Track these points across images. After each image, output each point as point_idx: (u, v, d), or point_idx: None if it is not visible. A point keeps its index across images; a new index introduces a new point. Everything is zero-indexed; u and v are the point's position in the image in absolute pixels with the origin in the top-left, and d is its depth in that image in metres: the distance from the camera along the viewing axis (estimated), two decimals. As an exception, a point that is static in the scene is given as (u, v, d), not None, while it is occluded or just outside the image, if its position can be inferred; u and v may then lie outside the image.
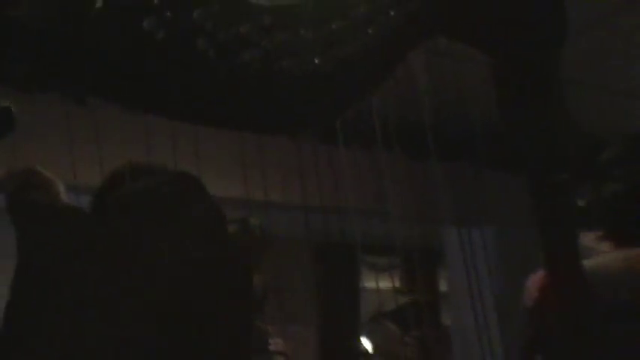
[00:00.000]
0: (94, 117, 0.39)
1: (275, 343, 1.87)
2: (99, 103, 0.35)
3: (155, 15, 0.33)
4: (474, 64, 0.64)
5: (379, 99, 0.50)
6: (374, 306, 2.66)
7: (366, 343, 2.53)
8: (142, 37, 0.33)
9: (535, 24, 0.55)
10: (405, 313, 2.26)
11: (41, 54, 0.33)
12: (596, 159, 1.15)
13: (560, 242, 0.63)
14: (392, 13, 0.43)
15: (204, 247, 0.33)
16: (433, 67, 0.60)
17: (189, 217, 0.32)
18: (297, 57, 0.38)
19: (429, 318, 2.44)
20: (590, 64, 2.97)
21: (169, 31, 0.34)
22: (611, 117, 3.46)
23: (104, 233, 0.32)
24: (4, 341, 0.30)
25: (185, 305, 0.32)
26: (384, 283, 3.27)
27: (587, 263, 1.01)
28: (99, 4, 0.31)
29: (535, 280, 0.97)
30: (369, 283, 3.36)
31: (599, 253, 1.05)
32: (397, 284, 3.30)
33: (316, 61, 0.39)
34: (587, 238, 1.15)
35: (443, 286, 3.61)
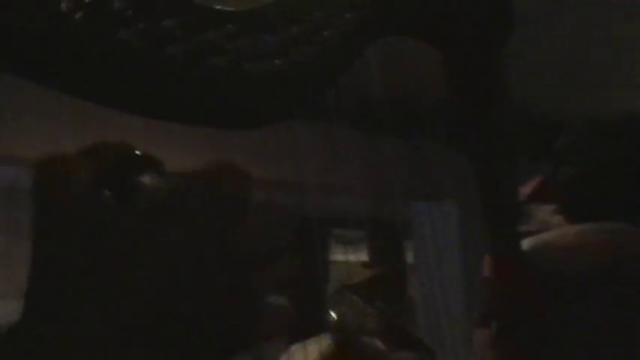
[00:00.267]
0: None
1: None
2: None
3: (129, 25, 0.36)
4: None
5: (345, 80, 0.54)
6: (341, 279, 2.72)
7: (333, 315, 2.58)
8: (117, 45, 0.36)
9: (482, 21, 0.59)
10: (370, 286, 2.30)
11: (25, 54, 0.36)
12: (552, 144, 1.19)
13: (502, 228, 0.67)
14: (347, 16, 0.47)
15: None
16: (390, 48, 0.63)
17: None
18: (260, 60, 0.42)
19: (394, 290, 2.50)
20: (552, 49, 3.04)
21: (142, 40, 0.37)
22: (573, 102, 3.54)
23: (133, 223, 0.33)
24: (25, 329, 0.32)
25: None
26: (351, 256, 3.34)
27: (540, 237, 1.05)
28: (79, 15, 0.35)
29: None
30: (336, 255, 3.42)
31: (553, 227, 1.09)
32: (364, 257, 3.37)
33: (277, 62, 0.43)
34: (543, 212, 1.19)
35: (409, 259, 3.68)
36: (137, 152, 0.36)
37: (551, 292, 0.96)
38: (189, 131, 0.42)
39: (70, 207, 0.33)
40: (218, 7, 0.41)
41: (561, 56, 3.11)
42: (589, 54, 3.10)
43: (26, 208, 0.34)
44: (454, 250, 3.21)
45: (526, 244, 1.02)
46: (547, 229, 1.07)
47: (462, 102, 0.64)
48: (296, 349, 1.94)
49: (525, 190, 1.21)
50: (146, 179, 0.35)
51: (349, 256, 3.40)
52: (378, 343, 1.22)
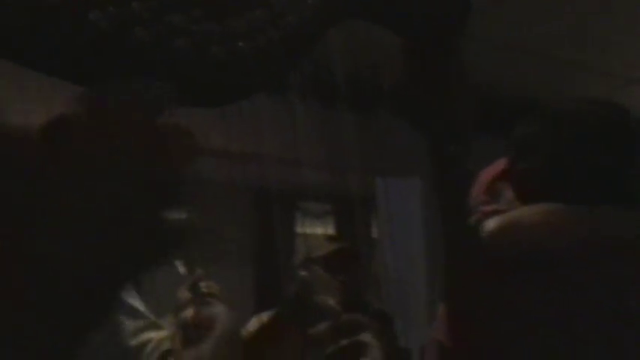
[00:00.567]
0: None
1: (207, 287, 1.91)
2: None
3: (99, 8, 0.38)
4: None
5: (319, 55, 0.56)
6: (306, 251, 2.75)
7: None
8: (88, 26, 0.38)
9: (439, 8, 0.62)
10: (334, 259, 2.34)
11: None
12: (510, 133, 1.20)
13: (454, 209, 0.70)
14: (309, 1, 0.50)
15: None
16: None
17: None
18: (225, 43, 0.44)
19: (357, 264, 2.54)
20: (522, 32, 3.07)
21: (112, 22, 0.39)
22: (542, 81, 3.59)
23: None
24: None
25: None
26: (317, 230, 3.37)
27: (508, 215, 1.08)
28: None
29: None
30: (302, 228, 3.45)
31: (518, 207, 1.11)
32: (329, 231, 3.41)
33: (241, 45, 0.45)
34: (511, 191, 1.22)
35: (373, 233, 3.74)
36: None
37: (516, 269, 0.99)
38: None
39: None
40: (185, -9, 0.43)
41: (528, 36, 3.14)
42: (558, 34, 3.14)
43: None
44: (418, 224, 3.26)
45: (494, 222, 1.05)
46: (515, 208, 1.10)
47: (418, 82, 0.66)
48: (255, 318, 1.97)
49: (491, 170, 1.23)
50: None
51: (316, 229, 3.43)
52: (331, 302, 1.22)
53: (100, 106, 0.38)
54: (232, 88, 0.45)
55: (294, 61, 0.50)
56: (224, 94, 0.45)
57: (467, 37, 0.68)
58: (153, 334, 1.23)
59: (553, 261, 1.02)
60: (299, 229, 3.37)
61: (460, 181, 0.68)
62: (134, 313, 1.21)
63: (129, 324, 1.18)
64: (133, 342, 1.18)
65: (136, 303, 1.25)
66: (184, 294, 1.93)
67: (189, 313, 1.88)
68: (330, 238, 2.89)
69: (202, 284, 1.91)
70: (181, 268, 2.25)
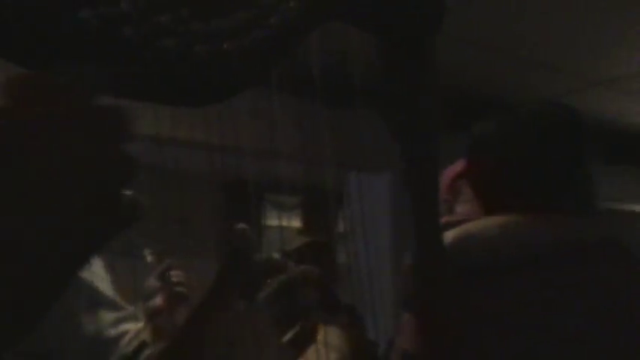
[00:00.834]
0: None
1: (176, 275, 1.92)
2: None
3: (89, 6, 0.39)
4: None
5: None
6: (276, 244, 2.76)
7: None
8: (78, 24, 0.39)
9: (413, 10, 0.64)
10: (305, 252, 2.35)
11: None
12: (469, 132, 1.23)
13: (424, 211, 0.71)
14: (291, 4, 0.51)
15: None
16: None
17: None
18: (209, 43, 0.45)
19: (327, 257, 2.55)
20: (498, 30, 3.11)
21: (100, 20, 0.40)
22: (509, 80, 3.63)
23: None
24: None
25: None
26: (287, 222, 3.38)
27: (463, 229, 1.09)
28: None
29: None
30: (272, 221, 3.47)
31: (474, 219, 1.12)
32: (298, 224, 3.43)
33: (225, 46, 0.46)
34: (463, 201, 1.24)
35: (341, 227, 3.75)
36: None
37: (472, 280, 1.01)
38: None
39: None
40: (173, -8, 0.44)
41: (496, 34, 3.18)
42: (526, 33, 3.18)
43: None
44: (386, 220, 3.29)
45: (449, 235, 1.06)
46: (468, 221, 1.11)
47: (392, 80, 0.68)
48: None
49: (453, 169, 1.26)
50: None
51: (283, 222, 3.44)
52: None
53: (38, 86, 0.38)
54: (216, 88, 0.46)
55: (276, 62, 0.51)
56: (208, 94, 0.46)
57: (440, 35, 0.70)
58: (130, 326, 1.24)
59: (514, 267, 1.04)
60: (267, 222, 3.38)
61: (430, 179, 0.69)
62: (112, 305, 1.21)
63: (107, 315, 1.19)
64: (112, 333, 1.18)
65: (113, 295, 1.25)
66: (153, 283, 1.93)
67: (157, 301, 1.88)
68: (301, 232, 2.90)
69: (171, 273, 1.91)
70: (149, 258, 2.25)
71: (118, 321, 1.22)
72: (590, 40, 3.27)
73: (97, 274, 1.21)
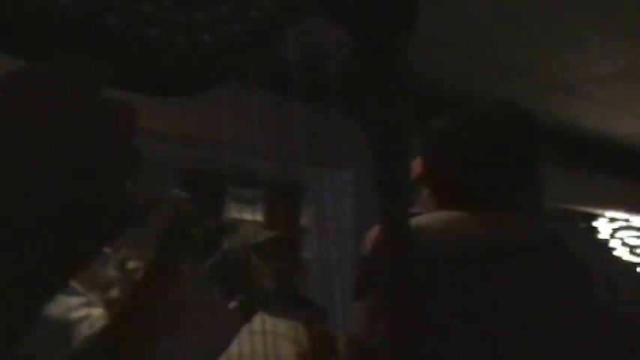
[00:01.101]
0: None
1: (133, 265, 1.91)
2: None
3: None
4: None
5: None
6: (241, 237, 2.75)
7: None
8: (58, 10, 0.39)
9: (388, 11, 0.65)
10: (271, 247, 2.35)
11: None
12: (428, 130, 1.25)
13: (391, 204, 0.72)
14: (271, -2, 0.51)
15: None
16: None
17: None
18: (190, 34, 0.45)
19: (291, 252, 2.56)
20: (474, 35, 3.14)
21: (81, 6, 0.39)
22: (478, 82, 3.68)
23: None
24: None
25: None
26: (247, 215, 3.37)
27: (414, 221, 1.11)
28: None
29: (373, 231, 1.06)
30: (233, 214, 3.45)
31: (426, 212, 1.15)
32: (260, 217, 3.41)
33: (205, 38, 0.46)
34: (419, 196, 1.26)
35: (304, 221, 3.76)
36: None
37: (425, 264, 1.02)
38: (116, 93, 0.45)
39: None
40: (155, -20, 0.44)
41: (462, 36, 3.22)
42: (487, 34, 3.22)
43: None
44: (349, 216, 3.31)
45: None
46: (421, 214, 1.13)
47: (364, 78, 0.69)
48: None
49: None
50: None
51: (244, 215, 3.43)
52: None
53: (37, 80, 0.37)
54: (197, 79, 0.46)
55: (255, 55, 0.51)
56: (187, 85, 0.46)
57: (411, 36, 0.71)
58: (91, 311, 1.24)
59: (455, 262, 1.06)
60: (229, 215, 3.36)
61: (402, 175, 0.70)
62: (71, 291, 1.21)
63: (67, 300, 1.19)
64: (71, 316, 1.18)
65: (74, 282, 1.25)
66: (110, 273, 1.91)
67: (115, 292, 1.87)
68: (265, 226, 2.90)
69: (129, 263, 1.89)
70: (106, 249, 2.22)
71: (77, 306, 1.22)
72: (548, 45, 3.33)
73: None
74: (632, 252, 6.01)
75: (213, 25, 0.46)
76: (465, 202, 1.15)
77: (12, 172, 0.34)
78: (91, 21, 0.40)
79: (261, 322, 1.93)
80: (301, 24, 0.58)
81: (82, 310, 1.22)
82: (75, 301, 1.21)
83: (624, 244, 6.00)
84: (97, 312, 1.25)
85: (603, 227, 5.95)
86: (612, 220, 5.97)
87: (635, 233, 6.07)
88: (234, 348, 1.58)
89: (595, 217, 5.87)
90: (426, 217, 1.12)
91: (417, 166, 1.24)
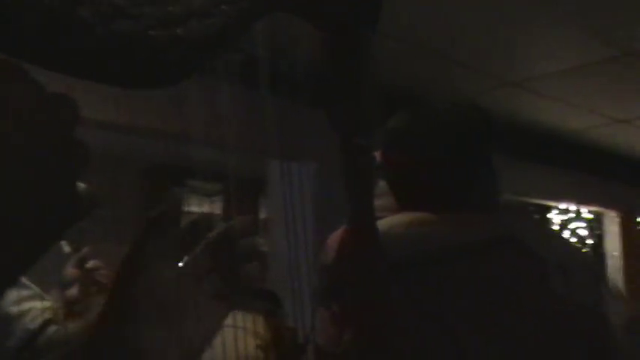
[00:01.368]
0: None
1: (93, 263, 1.88)
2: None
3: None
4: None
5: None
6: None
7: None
8: (32, 3, 0.39)
9: (354, 7, 0.66)
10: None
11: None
12: (384, 126, 1.26)
13: (359, 201, 0.73)
14: (243, -8, 0.52)
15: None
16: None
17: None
18: (163, 27, 0.45)
19: (248, 245, 2.55)
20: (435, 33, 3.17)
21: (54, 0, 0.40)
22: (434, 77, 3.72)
23: None
24: None
25: None
26: (208, 209, 3.35)
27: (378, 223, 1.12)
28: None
29: (335, 236, 1.06)
30: (193, 207, 3.42)
31: (385, 216, 1.16)
32: (219, 210, 3.40)
33: (178, 31, 0.46)
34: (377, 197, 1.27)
35: (263, 214, 3.76)
36: None
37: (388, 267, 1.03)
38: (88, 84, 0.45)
39: None
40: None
41: (417, 31, 3.25)
42: (444, 30, 3.26)
43: None
44: (308, 210, 3.32)
45: None
46: (380, 217, 1.13)
47: (330, 71, 0.70)
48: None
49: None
50: None
51: (203, 208, 3.41)
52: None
53: None
54: (169, 72, 0.47)
55: (225, 48, 0.52)
56: (161, 78, 0.47)
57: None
58: (35, 304, 1.22)
59: (416, 265, 1.08)
60: (188, 208, 3.33)
61: (368, 168, 0.72)
62: (17, 283, 1.19)
63: (11, 293, 1.17)
64: (14, 310, 1.16)
65: (24, 278, 1.23)
66: (70, 271, 1.88)
67: (73, 290, 1.84)
68: (224, 219, 2.88)
69: (89, 262, 1.87)
70: (66, 247, 2.19)
71: (22, 299, 1.20)
72: (505, 41, 3.39)
73: None
74: (581, 242, 6.17)
75: (186, 19, 0.47)
76: (420, 199, 1.17)
77: None
78: (65, 14, 0.40)
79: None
80: (270, 19, 0.58)
81: (23, 304, 1.20)
82: (14, 294, 1.19)
83: (574, 234, 6.16)
84: (41, 305, 1.24)
85: (555, 219, 6.10)
86: (564, 211, 6.12)
87: (585, 224, 6.24)
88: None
89: (548, 209, 6.02)
90: (388, 220, 1.13)
91: (377, 157, 1.25)
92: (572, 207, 6.05)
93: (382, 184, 1.26)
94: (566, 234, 6.04)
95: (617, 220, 6.09)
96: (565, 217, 6.10)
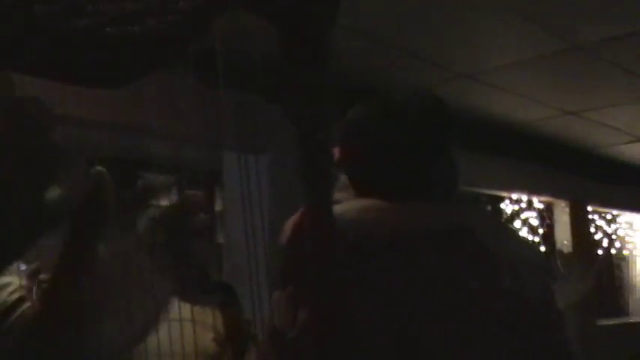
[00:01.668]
0: None
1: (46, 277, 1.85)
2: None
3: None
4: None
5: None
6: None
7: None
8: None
9: (312, 7, 0.66)
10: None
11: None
12: (343, 118, 1.27)
13: (315, 184, 0.74)
14: (200, -11, 0.52)
15: None
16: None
17: None
18: (119, 25, 0.45)
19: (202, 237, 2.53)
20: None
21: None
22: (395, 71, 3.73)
23: None
24: None
25: None
26: (162, 201, 3.32)
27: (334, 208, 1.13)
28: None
29: (292, 220, 1.07)
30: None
31: (342, 201, 1.16)
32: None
33: (135, 28, 0.46)
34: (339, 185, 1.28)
35: (219, 206, 3.74)
36: None
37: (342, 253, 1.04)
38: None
39: None
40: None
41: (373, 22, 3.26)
42: (400, 21, 3.27)
43: None
44: (263, 201, 3.31)
45: None
46: (337, 202, 1.14)
47: (286, 66, 0.70)
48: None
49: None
50: None
51: (159, 200, 3.37)
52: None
53: None
54: (127, 70, 0.47)
55: (183, 46, 0.52)
56: (119, 75, 0.46)
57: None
58: (12, 279, 1.20)
59: (367, 251, 1.09)
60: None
61: (326, 161, 0.72)
62: None
63: None
64: None
65: None
66: (22, 282, 1.84)
67: (31, 305, 1.80)
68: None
69: (41, 275, 1.83)
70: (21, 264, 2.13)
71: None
72: (458, 34, 3.43)
73: None
74: (532, 232, 6.31)
75: (142, 16, 0.46)
76: (379, 190, 1.18)
77: None
78: (20, 11, 0.39)
79: (177, 309, 1.91)
80: (227, 15, 0.58)
81: (5, 278, 1.18)
82: None
83: (526, 224, 6.29)
84: (19, 281, 1.21)
85: (507, 209, 6.21)
86: (515, 201, 6.24)
87: (536, 214, 6.37)
88: (152, 337, 1.56)
89: (500, 199, 6.12)
90: (344, 205, 1.14)
91: (335, 153, 1.26)
92: (524, 197, 6.18)
93: (343, 179, 1.27)
94: (517, 224, 6.16)
95: (567, 209, 6.24)
96: (516, 207, 6.22)
